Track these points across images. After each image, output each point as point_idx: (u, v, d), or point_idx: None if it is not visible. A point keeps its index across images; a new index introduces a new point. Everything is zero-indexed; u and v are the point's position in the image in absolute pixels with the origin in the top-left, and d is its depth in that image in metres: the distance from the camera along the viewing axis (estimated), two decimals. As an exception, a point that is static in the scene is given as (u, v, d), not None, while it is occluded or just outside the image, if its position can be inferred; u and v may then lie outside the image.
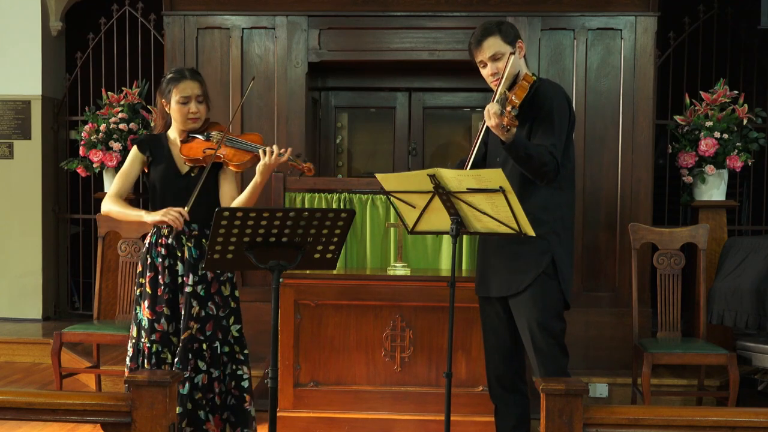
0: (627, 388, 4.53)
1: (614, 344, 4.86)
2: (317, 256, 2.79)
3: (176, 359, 3.16)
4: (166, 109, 3.28)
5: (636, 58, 4.91)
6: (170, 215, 3.10)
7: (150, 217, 3.15)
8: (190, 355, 3.17)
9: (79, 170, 5.76)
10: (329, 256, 2.81)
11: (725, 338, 4.92)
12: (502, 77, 2.98)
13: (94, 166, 5.59)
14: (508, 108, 2.76)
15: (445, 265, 4.32)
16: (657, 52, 5.05)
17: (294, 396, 3.93)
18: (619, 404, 4.28)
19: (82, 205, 6.52)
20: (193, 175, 3.25)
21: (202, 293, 3.21)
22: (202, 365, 3.19)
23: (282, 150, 3.19)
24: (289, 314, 3.90)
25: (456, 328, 3.53)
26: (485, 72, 3.10)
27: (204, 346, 3.20)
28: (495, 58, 3.04)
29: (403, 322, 3.92)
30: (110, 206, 3.26)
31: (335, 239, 2.76)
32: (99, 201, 5.77)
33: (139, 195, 5.92)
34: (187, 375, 3.16)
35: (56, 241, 6.51)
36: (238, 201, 3.23)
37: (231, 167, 3.24)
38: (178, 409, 3.11)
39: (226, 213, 2.60)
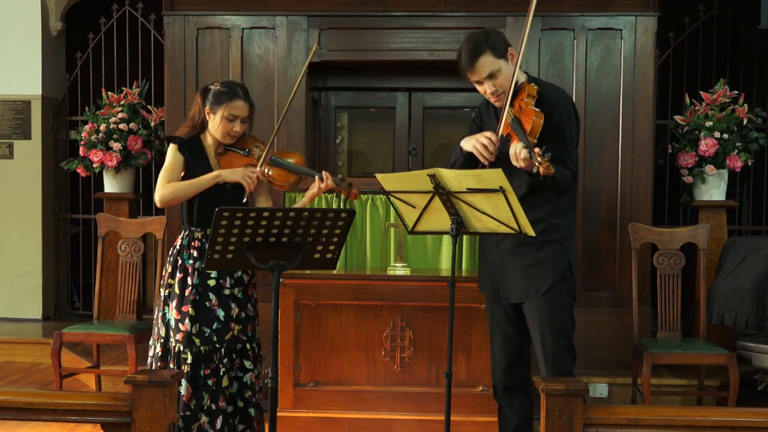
0: (627, 388, 4.53)
1: (614, 344, 4.86)
2: (317, 256, 2.80)
3: (224, 359, 3.23)
4: (208, 117, 3.27)
5: (636, 58, 4.91)
6: (248, 179, 3.19)
7: (231, 175, 3.20)
8: (234, 356, 3.25)
9: (79, 170, 5.76)
10: (329, 256, 2.81)
11: (725, 338, 4.92)
12: (508, 97, 2.92)
13: (94, 166, 5.59)
14: (537, 150, 2.67)
15: (445, 265, 4.32)
16: (657, 52, 5.05)
17: (294, 396, 3.93)
18: (619, 404, 4.28)
19: (82, 205, 6.53)
20: (228, 186, 3.26)
21: (239, 295, 3.27)
22: (248, 364, 3.28)
23: (327, 175, 3.29)
24: (289, 314, 3.90)
25: (456, 328, 3.54)
26: (482, 89, 3.04)
27: (247, 346, 3.28)
28: (491, 75, 2.98)
29: (403, 322, 3.92)
30: (171, 189, 3.21)
31: (335, 239, 2.76)
32: (99, 201, 5.84)
33: (138, 195, 5.93)
34: (234, 374, 3.26)
35: (56, 241, 6.51)
36: None
37: (275, 186, 3.32)
38: (229, 408, 3.24)
39: (226, 213, 2.60)
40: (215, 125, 3.26)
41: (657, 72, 5.06)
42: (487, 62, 2.96)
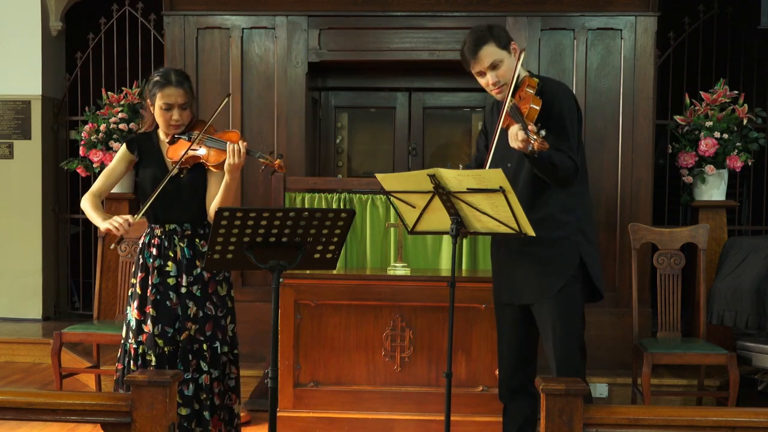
0: (627, 388, 4.53)
1: (614, 344, 4.86)
2: (317, 256, 2.79)
3: (177, 360, 3.15)
4: (151, 109, 3.23)
5: (636, 58, 4.91)
6: (115, 223, 3.09)
7: (102, 224, 3.14)
8: (190, 356, 3.17)
9: (79, 170, 5.76)
10: (329, 256, 2.81)
11: (725, 338, 4.92)
12: (510, 89, 2.93)
13: (94, 166, 5.59)
14: (532, 127, 2.69)
15: (445, 265, 4.32)
16: (657, 52, 5.05)
17: (294, 396, 3.93)
18: (619, 404, 4.27)
19: (82, 205, 6.52)
20: (182, 176, 3.20)
21: (198, 293, 3.20)
22: (204, 366, 3.18)
23: (245, 144, 3.13)
24: (289, 314, 3.90)
25: (456, 328, 3.54)
26: (484, 81, 3.04)
27: (204, 346, 3.18)
28: (494, 66, 2.99)
29: (403, 322, 3.92)
30: (84, 205, 3.23)
31: (335, 239, 2.76)
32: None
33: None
34: (190, 376, 3.15)
35: (56, 241, 6.51)
36: (215, 203, 3.15)
37: (210, 167, 3.18)
38: (185, 411, 3.13)
39: (226, 213, 2.60)
40: (156, 118, 3.20)
41: (657, 72, 5.06)
42: (491, 52, 2.98)
